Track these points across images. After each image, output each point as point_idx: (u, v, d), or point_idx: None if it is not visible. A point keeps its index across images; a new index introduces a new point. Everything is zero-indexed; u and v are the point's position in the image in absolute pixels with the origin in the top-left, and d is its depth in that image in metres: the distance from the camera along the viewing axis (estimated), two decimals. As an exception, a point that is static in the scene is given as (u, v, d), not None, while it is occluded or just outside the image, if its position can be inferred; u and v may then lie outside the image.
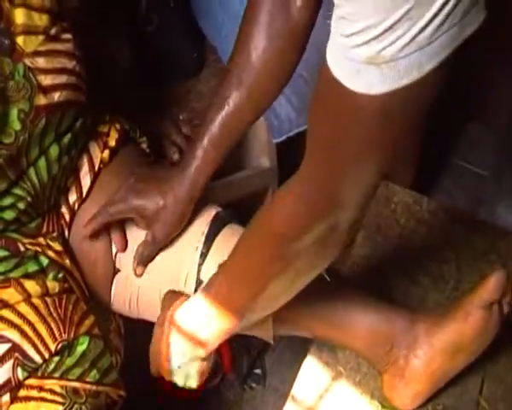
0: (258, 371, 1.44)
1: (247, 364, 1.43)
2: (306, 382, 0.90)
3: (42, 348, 0.78)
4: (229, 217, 0.92)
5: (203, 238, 0.88)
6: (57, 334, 0.79)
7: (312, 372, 0.90)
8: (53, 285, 0.83)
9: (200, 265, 0.87)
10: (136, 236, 0.90)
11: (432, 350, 0.81)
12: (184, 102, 1.27)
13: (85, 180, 0.93)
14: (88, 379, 0.80)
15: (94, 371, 0.81)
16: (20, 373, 0.76)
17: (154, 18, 1.22)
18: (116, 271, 0.91)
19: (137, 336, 0.89)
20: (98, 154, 0.94)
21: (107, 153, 0.95)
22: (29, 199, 0.85)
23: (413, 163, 1.50)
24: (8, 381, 0.75)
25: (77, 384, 0.79)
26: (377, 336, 0.84)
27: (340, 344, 0.90)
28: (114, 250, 0.91)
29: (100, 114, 0.99)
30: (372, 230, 1.03)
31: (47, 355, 0.78)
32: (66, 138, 0.87)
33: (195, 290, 0.86)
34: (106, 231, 0.91)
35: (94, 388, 0.80)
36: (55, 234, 0.90)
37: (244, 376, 1.43)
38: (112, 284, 0.92)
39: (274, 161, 1.51)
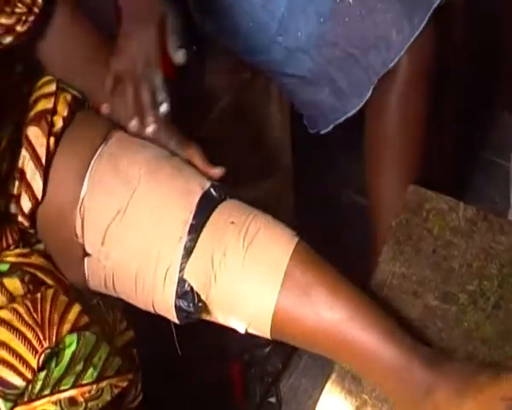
0: (272, 399, 1.43)
1: (260, 392, 1.42)
2: (327, 412, 0.86)
3: (22, 369, 0.73)
4: (221, 193, 0.87)
5: (187, 227, 0.83)
6: (37, 344, 0.73)
7: (333, 401, 0.86)
8: (19, 287, 0.78)
9: (183, 261, 0.82)
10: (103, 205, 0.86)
11: None
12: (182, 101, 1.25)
13: (35, 181, 0.87)
14: (84, 381, 0.75)
15: (90, 370, 0.76)
16: (3, 405, 0.72)
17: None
18: (85, 254, 0.87)
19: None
20: (43, 141, 0.87)
21: (52, 141, 0.87)
22: None
23: (447, 161, 1.48)
24: None
25: (72, 392, 0.74)
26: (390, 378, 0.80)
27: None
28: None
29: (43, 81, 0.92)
30: (402, 241, 0.99)
31: (30, 375, 0.73)
32: None
33: (177, 291, 0.82)
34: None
35: (94, 387, 0.76)
36: (11, 247, 0.85)
37: (257, 405, 1.41)
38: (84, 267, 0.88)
39: (289, 161, 1.50)
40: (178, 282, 0.82)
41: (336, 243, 1.43)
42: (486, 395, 0.75)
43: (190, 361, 1.37)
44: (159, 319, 0.92)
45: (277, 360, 1.42)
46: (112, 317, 0.92)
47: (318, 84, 1.25)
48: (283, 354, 1.43)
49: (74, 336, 0.75)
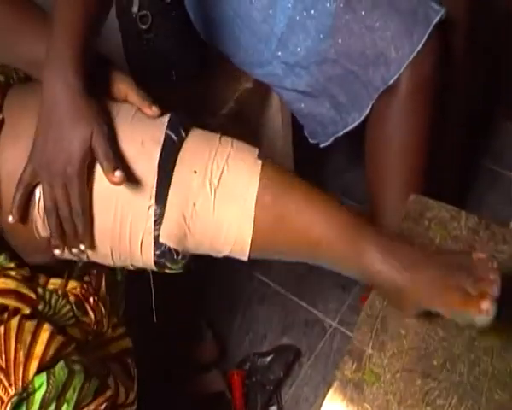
0: (274, 408, 1.41)
1: (261, 400, 1.41)
2: (328, 421, 0.85)
3: None
4: (178, 131, 0.85)
5: (154, 194, 0.82)
6: (2, 393, 0.68)
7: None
8: None
9: (156, 227, 0.82)
10: None
11: None
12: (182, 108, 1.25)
13: None
14: None
15: (64, 407, 0.72)
16: None
17: (149, 15, 1.20)
18: (53, 246, 0.83)
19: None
20: None
21: None
22: None
23: (449, 170, 1.47)
24: None
25: None
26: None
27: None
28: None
29: None
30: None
31: None
32: None
33: (155, 253, 0.83)
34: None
35: None
36: None
37: (258, 413, 1.40)
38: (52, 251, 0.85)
39: (291, 170, 1.49)
40: (155, 245, 0.83)
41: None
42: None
43: (191, 368, 1.37)
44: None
45: (279, 369, 1.41)
46: (94, 306, 0.90)
47: (318, 99, 1.25)
48: (285, 362, 1.43)
49: (43, 377, 0.71)
